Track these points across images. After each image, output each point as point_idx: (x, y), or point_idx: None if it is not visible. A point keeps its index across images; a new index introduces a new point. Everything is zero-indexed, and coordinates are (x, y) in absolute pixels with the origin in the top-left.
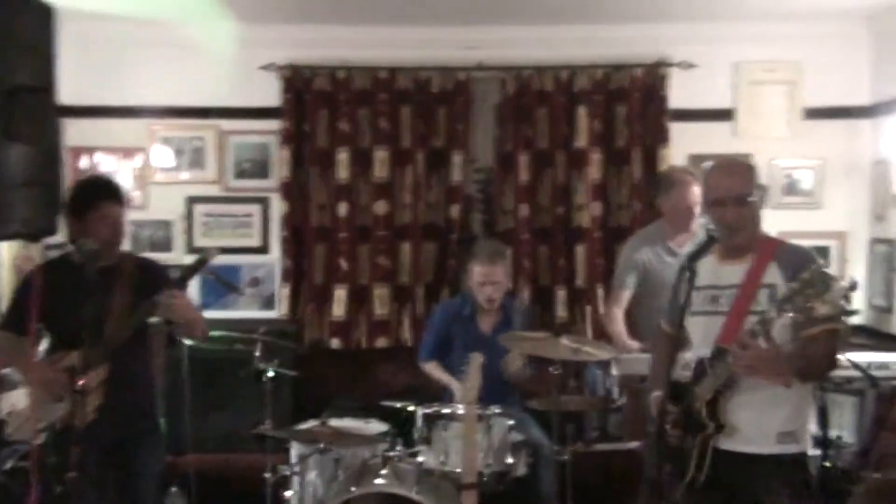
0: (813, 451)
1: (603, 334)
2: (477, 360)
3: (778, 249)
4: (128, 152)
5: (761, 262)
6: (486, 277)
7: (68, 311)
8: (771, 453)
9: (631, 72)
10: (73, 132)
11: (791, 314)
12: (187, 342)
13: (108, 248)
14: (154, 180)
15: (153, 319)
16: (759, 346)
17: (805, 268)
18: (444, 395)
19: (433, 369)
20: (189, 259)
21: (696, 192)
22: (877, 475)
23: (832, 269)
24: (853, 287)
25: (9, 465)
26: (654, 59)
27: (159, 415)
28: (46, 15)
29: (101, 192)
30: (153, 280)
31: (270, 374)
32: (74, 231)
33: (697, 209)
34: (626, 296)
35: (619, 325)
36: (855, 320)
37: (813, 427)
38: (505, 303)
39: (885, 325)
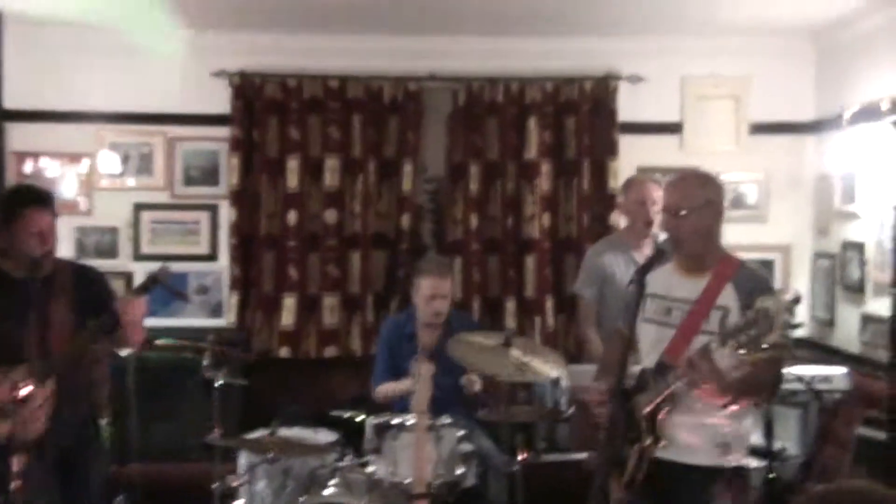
0: (758, 463)
1: (551, 344)
2: (427, 369)
3: (737, 271)
4: (74, 157)
5: (718, 282)
6: (436, 290)
7: (7, 325)
8: (709, 465)
9: (580, 84)
10: (18, 136)
11: (732, 347)
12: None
13: (39, 259)
14: (100, 186)
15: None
16: (706, 366)
17: (759, 294)
18: (395, 405)
19: (386, 388)
20: (135, 266)
21: (651, 190)
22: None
23: (777, 283)
24: (797, 300)
25: None
26: (604, 72)
27: (102, 423)
28: None
29: (26, 199)
30: (91, 287)
31: (219, 382)
32: (4, 241)
33: (653, 209)
34: (593, 308)
35: (597, 345)
36: (798, 333)
37: (758, 439)
38: (450, 317)
39: (827, 338)
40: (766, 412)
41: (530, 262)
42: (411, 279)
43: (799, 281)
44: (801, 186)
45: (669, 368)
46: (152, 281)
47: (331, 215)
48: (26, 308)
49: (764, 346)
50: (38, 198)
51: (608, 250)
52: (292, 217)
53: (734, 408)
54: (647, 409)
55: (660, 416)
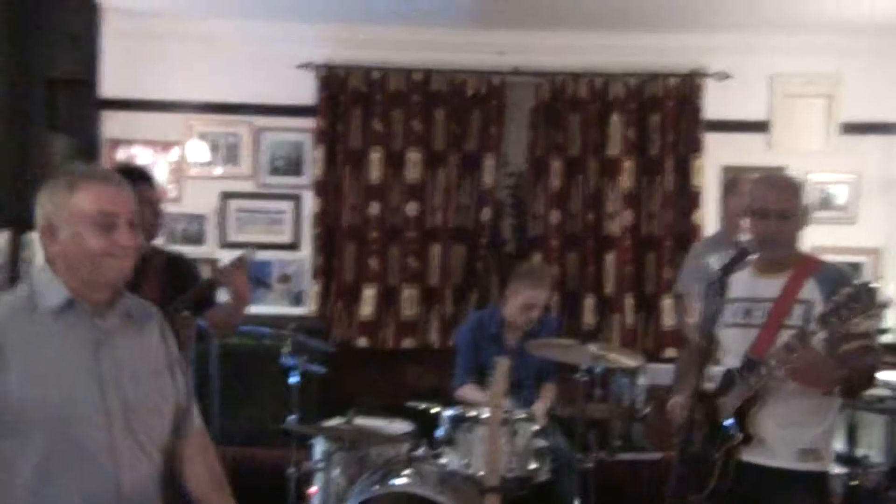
0: (840, 470)
1: (630, 343)
2: (503, 364)
3: (817, 267)
4: (164, 146)
5: (799, 277)
6: (534, 301)
7: None
8: (793, 469)
9: (665, 81)
10: (111, 124)
11: (830, 329)
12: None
13: (148, 232)
14: (189, 174)
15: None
16: (803, 350)
17: (843, 285)
18: None
19: (469, 392)
20: (222, 254)
21: None
22: None
23: None
24: (886, 305)
25: None
26: (690, 68)
27: None
28: (91, 10)
29: (138, 175)
30: (183, 275)
31: (298, 370)
32: None
33: None
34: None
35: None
36: (887, 338)
37: (841, 445)
38: None
39: None
40: (850, 418)
41: (610, 259)
42: (508, 282)
43: (890, 285)
44: (894, 188)
45: (758, 364)
46: (239, 261)
47: (412, 208)
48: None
49: (856, 329)
50: (143, 173)
51: (710, 251)
52: (374, 209)
53: (830, 398)
54: (736, 406)
55: (749, 413)
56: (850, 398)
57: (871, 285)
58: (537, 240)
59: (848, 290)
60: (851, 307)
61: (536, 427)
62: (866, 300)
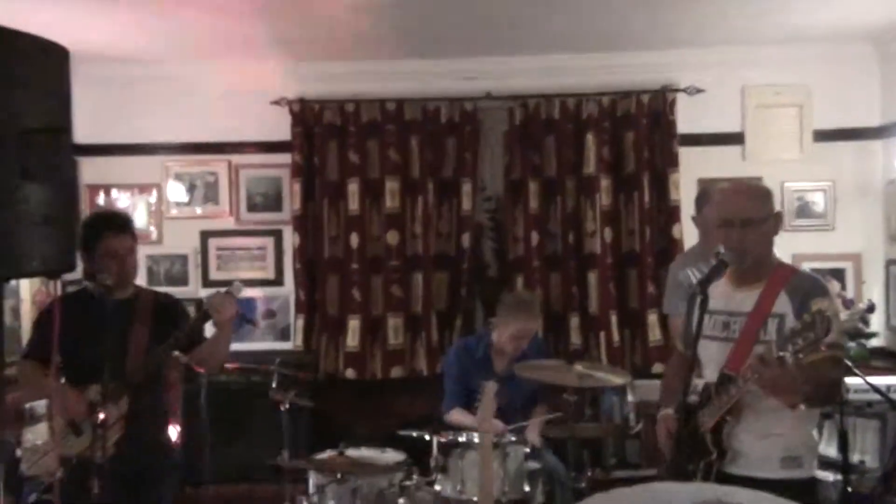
0: (834, 477)
1: (618, 360)
2: (491, 388)
3: (789, 278)
4: (143, 188)
5: (772, 290)
6: (525, 332)
7: (86, 345)
8: (777, 478)
9: (638, 98)
10: (89, 170)
11: (791, 352)
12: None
13: (120, 282)
14: (169, 215)
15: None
16: (776, 365)
17: (814, 296)
18: None
19: (457, 416)
20: (205, 293)
21: None
22: None
23: (848, 292)
24: (871, 309)
25: (32, 498)
26: (661, 84)
27: (176, 447)
28: (60, 57)
29: (106, 226)
30: (172, 316)
31: (287, 405)
32: (88, 267)
33: None
34: (682, 322)
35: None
36: (873, 342)
37: (833, 452)
38: None
39: None
40: (842, 423)
41: (593, 277)
42: (487, 308)
43: (873, 290)
44: (870, 193)
45: (732, 380)
46: (227, 292)
47: (392, 237)
48: (107, 330)
49: (822, 347)
50: (113, 223)
51: (687, 265)
52: (354, 240)
53: (801, 408)
54: (712, 422)
55: (725, 430)
56: (816, 408)
57: (827, 314)
58: (519, 262)
59: (805, 318)
60: (806, 335)
61: (528, 449)
62: (819, 329)
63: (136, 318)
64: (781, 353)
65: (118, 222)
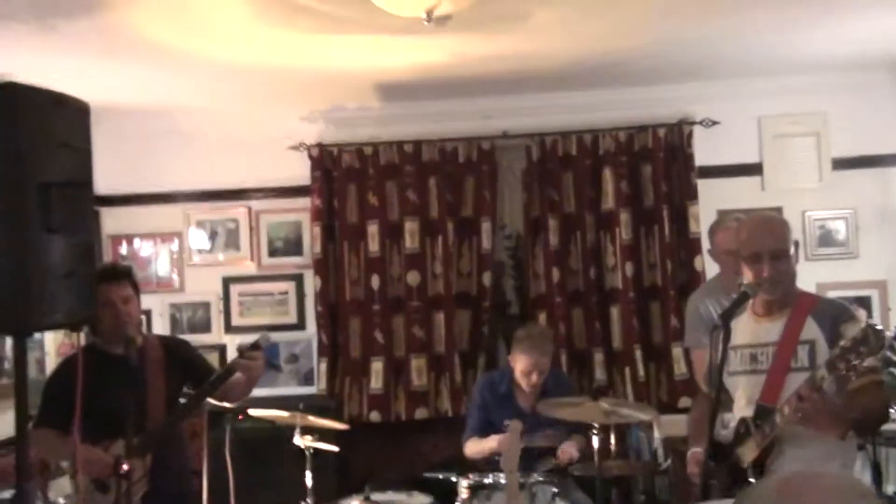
0: None
1: (643, 395)
2: (516, 427)
3: (814, 304)
4: (164, 237)
5: (798, 317)
6: (534, 367)
7: (100, 400)
8: None
9: (654, 131)
10: (111, 220)
11: (838, 373)
12: (227, 424)
13: (114, 332)
14: (191, 263)
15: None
16: (816, 397)
17: (843, 320)
18: (490, 462)
19: (472, 446)
20: (228, 339)
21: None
22: None
23: (875, 319)
24: (893, 342)
25: None
26: (677, 118)
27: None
28: (81, 112)
29: (101, 276)
30: (181, 355)
31: (311, 450)
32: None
33: None
34: (705, 355)
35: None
36: None
37: (867, 483)
38: (545, 377)
39: None
40: (874, 454)
41: (615, 312)
42: (510, 346)
43: None
44: (892, 219)
45: (770, 412)
46: (254, 347)
47: (413, 277)
48: (123, 383)
49: (861, 367)
50: (109, 273)
51: (707, 297)
52: (375, 281)
53: (848, 438)
54: (754, 455)
55: (767, 461)
56: (867, 435)
57: (877, 326)
58: (540, 299)
59: (854, 334)
60: (860, 350)
61: (555, 490)
62: (874, 342)
63: (149, 366)
64: (830, 374)
65: (112, 272)
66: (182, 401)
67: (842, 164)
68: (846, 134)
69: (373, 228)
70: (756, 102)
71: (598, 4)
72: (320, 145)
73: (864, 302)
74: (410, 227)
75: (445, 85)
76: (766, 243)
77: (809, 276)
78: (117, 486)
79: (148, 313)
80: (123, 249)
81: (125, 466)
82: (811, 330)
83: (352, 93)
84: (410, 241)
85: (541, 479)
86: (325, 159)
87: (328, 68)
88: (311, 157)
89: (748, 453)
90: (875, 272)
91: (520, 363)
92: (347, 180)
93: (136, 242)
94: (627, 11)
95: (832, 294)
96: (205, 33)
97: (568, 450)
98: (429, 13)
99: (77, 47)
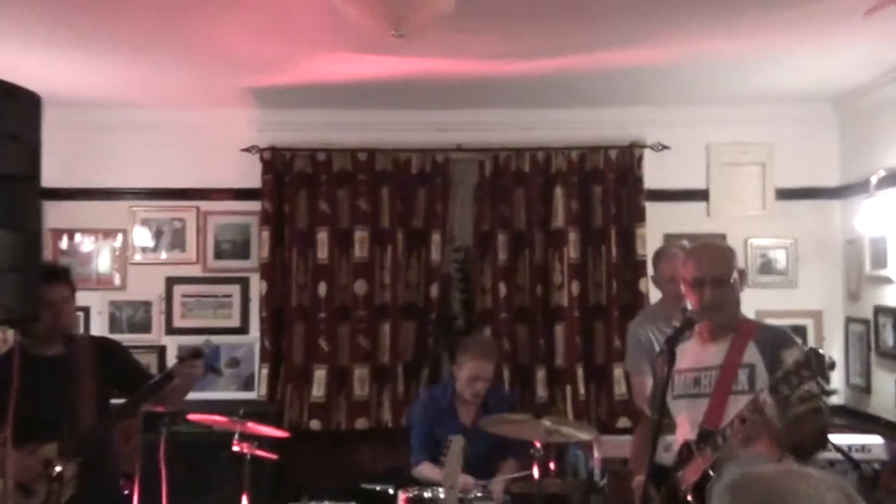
0: None
1: (583, 413)
2: (458, 443)
3: (756, 330)
4: (107, 233)
5: (741, 342)
6: (479, 373)
7: (27, 403)
8: None
9: (606, 153)
10: (53, 214)
11: (780, 396)
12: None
13: (50, 334)
14: (134, 261)
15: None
16: (758, 419)
17: (783, 346)
18: None
19: (426, 470)
20: (168, 340)
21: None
22: None
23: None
24: (831, 366)
25: None
26: (629, 140)
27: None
28: (32, 105)
29: (41, 275)
30: (112, 357)
31: (249, 456)
32: None
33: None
34: (646, 383)
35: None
36: (834, 400)
37: None
38: (486, 393)
39: (863, 406)
40: None
41: (559, 330)
42: (455, 355)
43: (833, 347)
44: (830, 251)
45: (712, 434)
46: (195, 354)
47: (360, 286)
48: (54, 385)
49: (801, 392)
50: (49, 273)
51: (647, 323)
52: (322, 289)
53: (784, 460)
54: (694, 478)
55: (707, 486)
56: (805, 459)
57: (819, 350)
58: (486, 313)
59: (798, 358)
60: (802, 374)
61: None
62: (816, 366)
63: (80, 367)
64: (773, 397)
65: (52, 271)
66: (116, 402)
67: (785, 194)
68: (790, 165)
69: (322, 235)
70: (706, 130)
71: (554, 26)
72: (273, 148)
73: (800, 331)
74: (360, 235)
75: (402, 95)
76: (708, 269)
77: (750, 303)
78: (47, 489)
79: (87, 311)
80: (64, 244)
81: (58, 469)
82: (752, 354)
83: (307, 98)
84: (360, 250)
85: (480, 495)
86: (277, 163)
87: (286, 73)
88: (263, 160)
89: (689, 476)
90: (812, 302)
91: (466, 370)
92: (299, 185)
93: (78, 237)
94: (583, 32)
95: (771, 321)
96: (160, 29)
97: (496, 489)
98: (398, 26)
99: (22, 34)
